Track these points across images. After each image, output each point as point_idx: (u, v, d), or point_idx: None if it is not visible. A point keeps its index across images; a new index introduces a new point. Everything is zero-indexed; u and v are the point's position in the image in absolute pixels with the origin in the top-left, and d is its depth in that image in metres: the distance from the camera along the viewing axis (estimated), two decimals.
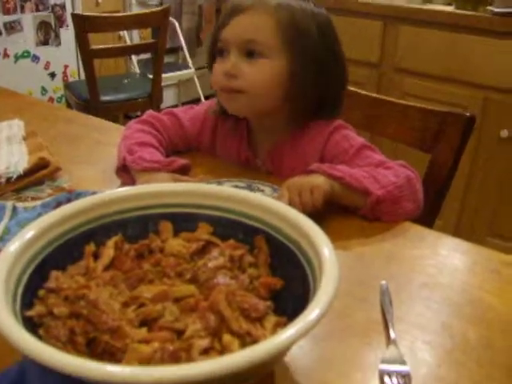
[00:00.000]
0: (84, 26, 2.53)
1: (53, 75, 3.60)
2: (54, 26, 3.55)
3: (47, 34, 3.53)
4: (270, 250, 0.67)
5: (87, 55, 2.59)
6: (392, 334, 0.68)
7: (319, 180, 0.94)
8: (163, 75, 2.99)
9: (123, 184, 1.06)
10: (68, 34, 3.53)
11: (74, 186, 1.03)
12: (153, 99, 2.91)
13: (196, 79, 4.01)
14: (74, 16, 2.57)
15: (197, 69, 3.95)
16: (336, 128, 1.09)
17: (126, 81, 3.20)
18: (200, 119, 1.19)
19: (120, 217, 0.71)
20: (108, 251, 0.66)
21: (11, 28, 3.35)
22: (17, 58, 3.39)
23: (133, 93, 2.97)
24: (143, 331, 0.56)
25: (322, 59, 1.05)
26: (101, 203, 0.69)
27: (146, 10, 2.88)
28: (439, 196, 1.19)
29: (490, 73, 2.16)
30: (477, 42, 2.16)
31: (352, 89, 1.34)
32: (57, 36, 3.57)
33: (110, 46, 2.88)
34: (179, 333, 0.55)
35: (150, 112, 1.20)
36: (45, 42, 3.53)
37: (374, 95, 1.36)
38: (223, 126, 1.18)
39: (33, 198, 0.99)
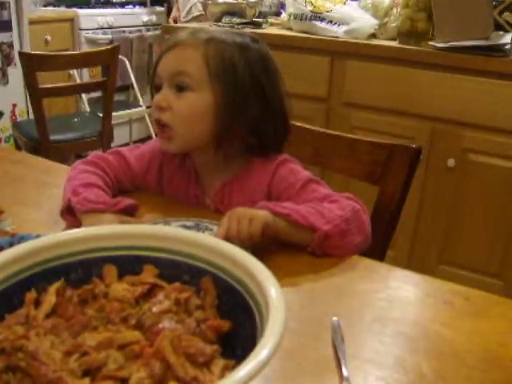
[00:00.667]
0: (32, 64, 2.49)
1: (0, 114, 3.53)
2: (1, 65, 3.49)
3: None
4: (217, 291, 0.66)
5: (36, 94, 2.55)
6: (345, 372, 0.67)
7: (261, 212, 0.94)
8: (114, 113, 2.97)
9: (69, 226, 1.03)
10: (16, 72, 3.46)
11: (17, 229, 1.00)
12: (103, 138, 2.88)
13: (147, 117, 4.00)
14: (22, 54, 2.53)
15: (148, 107, 3.92)
16: (281, 162, 1.09)
17: (76, 120, 3.16)
18: (146, 158, 1.17)
19: (62, 262, 0.68)
20: (49, 298, 0.64)
21: None
22: None
23: (83, 132, 2.93)
24: (86, 381, 0.53)
25: (251, 94, 1.05)
26: (42, 248, 0.67)
27: (96, 49, 2.87)
28: (389, 227, 1.20)
29: (435, 104, 2.21)
30: (420, 75, 2.22)
31: (299, 124, 1.35)
32: (4, 75, 3.51)
33: (60, 84, 2.85)
34: (124, 381, 0.53)
35: (95, 153, 1.19)
36: None
37: (322, 130, 1.37)
38: (170, 165, 1.16)
39: None
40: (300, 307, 0.81)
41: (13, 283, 0.64)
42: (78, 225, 1.00)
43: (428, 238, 2.37)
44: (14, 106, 3.58)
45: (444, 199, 2.30)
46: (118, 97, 3.51)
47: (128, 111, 3.91)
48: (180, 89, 1.04)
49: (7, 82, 3.53)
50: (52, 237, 0.69)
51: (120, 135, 4.02)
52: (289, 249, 0.95)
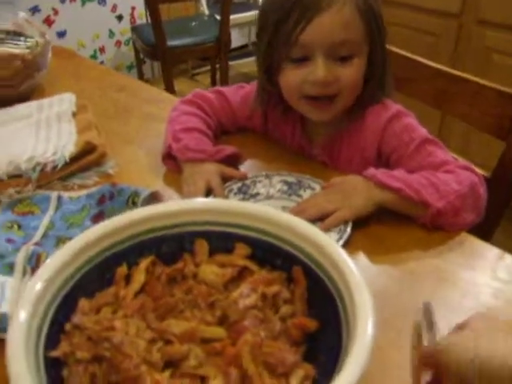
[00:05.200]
0: None
1: (120, 18, 3.55)
2: None
3: None
4: (307, 283, 0.63)
5: None
6: None
7: (360, 199, 0.87)
8: (233, 16, 2.91)
9: (170, 171, 1.03)
10: None
11: (119, 172, 1.03)
12: (221, 43, 2.85)
13: None
14: None
15: None
16: (394, 116, 0.99)
17: (193, 23, 3.12)
18: (250, 101, 1.10)
19: (154, 235, 0.68)
20: (139, 277, 0.64)
21: None
22: (84, 1, 3.36)
23: (200, 37, 2.92)
24: (166, 375, 0.54)
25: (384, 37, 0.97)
26: (133, 222, 0.67)
27: None
28: (507, 196, 1.09)
29: None
30: None
31: (419, 59, 1.24)
32: None
33: None
34: (202, 379, 0.53)
35: (196, 91, 1.15)
36: None
37: (445, 69, 1.23)
38: (274, 110, 1.10)
39: (79, 186, 0.98)
40: (395, 293, 0.76)
41: (105, 257, 0.65)
42: (179, 170, 1.00)
43: None
44: (133, 8, 3.58)
45: None
46: None
47: (248, 14, 3.81)
48: (342, 57, 0.93)
49: None
50: (145, 210, 0.68)
51: (238, 37, 3.97)
52: (396, 218, 0.89)
